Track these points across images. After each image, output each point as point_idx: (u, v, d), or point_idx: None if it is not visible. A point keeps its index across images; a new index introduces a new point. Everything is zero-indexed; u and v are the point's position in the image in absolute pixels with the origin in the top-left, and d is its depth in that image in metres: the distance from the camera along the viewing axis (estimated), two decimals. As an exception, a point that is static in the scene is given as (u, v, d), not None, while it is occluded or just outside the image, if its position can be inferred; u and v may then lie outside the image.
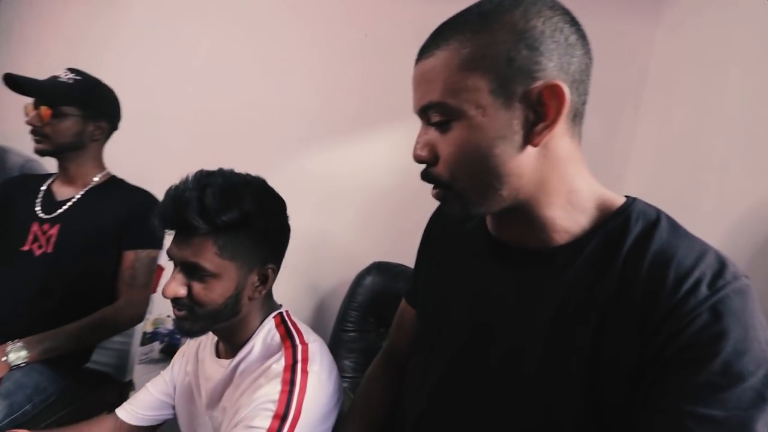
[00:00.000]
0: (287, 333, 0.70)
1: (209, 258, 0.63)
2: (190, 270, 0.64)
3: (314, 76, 1.65)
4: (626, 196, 0.49)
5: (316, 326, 1.59)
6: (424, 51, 0.46)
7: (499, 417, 0.49)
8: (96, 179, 1.09)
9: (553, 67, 0.42)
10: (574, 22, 0.44)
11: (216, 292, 0.64)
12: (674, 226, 0.45)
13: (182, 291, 0.64)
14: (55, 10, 2.07)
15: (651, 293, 0.41)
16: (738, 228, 0.80)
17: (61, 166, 1.07)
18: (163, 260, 1.14)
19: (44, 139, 0.99)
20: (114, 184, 1.12)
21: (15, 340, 0.87)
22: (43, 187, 1.08)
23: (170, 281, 0.64)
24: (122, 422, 0.78)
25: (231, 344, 0.72)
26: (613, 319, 0.42)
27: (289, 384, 0.62)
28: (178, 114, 1.76)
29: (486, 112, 0.42)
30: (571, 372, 0.44)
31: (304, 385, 0.63)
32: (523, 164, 0.44)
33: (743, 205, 0.80)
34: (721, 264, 0.41)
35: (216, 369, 0.73)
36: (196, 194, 0.62)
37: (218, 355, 0.75)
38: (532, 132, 0.43)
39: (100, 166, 1.11)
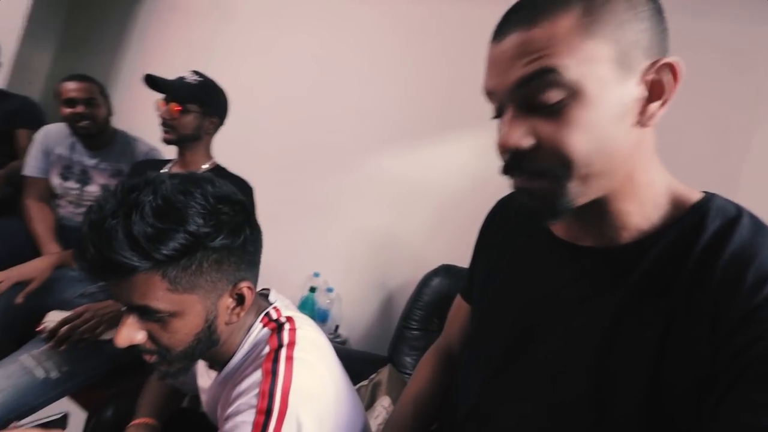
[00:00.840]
0: (276, 324, 0.63)
1: (160, 297, 0.50)
2: (142, 313, 0.52)
3: (400, 80, 1.72)
4: (704, 192, 0.44)
5: (381, 322, 1.64)
6: (519, 22, 0.40)
7: (549, 416, 0.47)
8: (205, 166, 1.25)
9: (660, 42, 0.40)
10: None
11: (181, 333, 0.54)
12: (758, 225, 0.40)
13: (139, 338, 0.53)
14: (180, 22, 2.40)
15: (726, 294, 0.37)
16: None
17: (179, 154, 1.25)
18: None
19: (171, 130, 1.15)
20: (219, 171, 1.27)
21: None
22: (164, 170, 1.27)
23: (121, 328, 0.52)
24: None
25: (217, 363, 0.65)
26: (681, 323, 0.39)
27: (270, 374, 0.54)
28: (274, 112, 1.94)
29: (603, 87, 0.38)
30: (632, 381, 0.41)
31: (288, 372, 0.55)
32: (629, 148, 0.41)
33: None
34: None
35: (205, 380, 0.68)
36: (122, 222, 0.47)
37: (209, 366, 0.68)
38: (646, 111, 0.40)
39: (209, 156, 1.27)
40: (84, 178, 1.45)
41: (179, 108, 1.14)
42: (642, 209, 0.44)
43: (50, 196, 1.48)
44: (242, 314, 0.60)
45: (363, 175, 1.75)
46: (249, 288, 0.59)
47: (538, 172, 0.42)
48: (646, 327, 0.40)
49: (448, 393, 0.66)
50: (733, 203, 0.43)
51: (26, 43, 2.15)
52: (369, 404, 1.17)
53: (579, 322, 0.46)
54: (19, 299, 0.99)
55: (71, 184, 1.45)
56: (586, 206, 0.43)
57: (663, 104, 0.40)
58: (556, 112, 0.39)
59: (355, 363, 1.35)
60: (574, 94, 0.39)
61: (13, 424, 0.66)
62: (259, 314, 0.64)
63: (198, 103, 1.17)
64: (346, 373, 0.68)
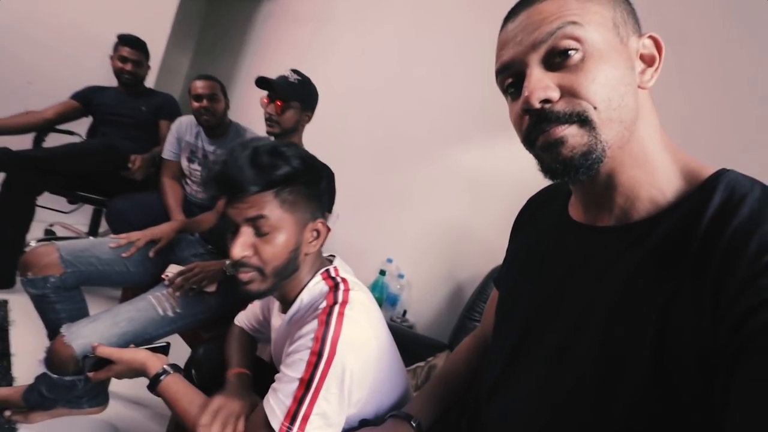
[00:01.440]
0: (334, 283, 0.73)
1: (271, 210, 0.66)
2: (255, 227, 0.67)
3: (483, 74, 1.70)
4: (722, 168, 0.44)
5: (448, 311, 1.67)
6: (531, 1, 0.47)
7: (565, 383, 0.48)
8: (296, 154, 1.42)
9: (635, 21, 0.47)
10: None
11: (280, 246, 0.67)
12: None
13: (249, 251, 0.67)
14: (289, 25, 2.66)
15: (728, 263, 0.36)
16: None
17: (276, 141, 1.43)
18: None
19: (276, 124, 1.31)
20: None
21: (232, 259, 1.23)
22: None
23: (235, 244, 0.66)
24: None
25: (284, 300, 0.77)
26: (685, 294, 0.38)
27: (324, 324, 0.64)
28: (360, 106, 2.07)
29: (612, 47, 0.44)
30: (637, 354, 0.41)
31: (339, 325, 0.64)
32: (636, 104, 0.45)
33: None
34: None
35: (277, 320, 0.80)
36: (248, 154, 0.66)
37: (281, 310, 0.81)
38: (643, 74, 0.46)
39: (301, 144, 1.44)
40: (206, 162, 1.74)
41: (282, 104, 1.30)
42: (653, 178, 0.45)
43: (181, 176, 1.80)
44: (317, 247, 0.74)
45: (441, 167, 1.79)
46: (323, 224, 0.74)
47: (568, 118, 0.44)
48: (652, 299, 0.41)
49: (478, 374, 0.70)
50: (748, 177, 0.42)
51: (170, 48, 2.60)
52: (424, 383, 1.23)
53: (590, 301, 0.47)
54: (152, 253, 1.26)
55: (195, 166, 1.75)
56: (603, 179, 0.47)
57: (656, 70, 0.47)
58: (576, 65, 0.44)
59: (418, 346, 1.41)
60: (589, 48, 0.43)
61: (131, 346, 0.87)
62: (321, 268, 0.77)
63: (298, 100, 1.32)
64: (393, 341, 0.78)
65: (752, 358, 0.34)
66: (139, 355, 0.79)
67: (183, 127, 1.76)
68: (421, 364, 1.29)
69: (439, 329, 1.64)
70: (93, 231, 2.00)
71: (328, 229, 0.76)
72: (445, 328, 1.58)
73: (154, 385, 0.76)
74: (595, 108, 0.43)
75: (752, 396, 0.33)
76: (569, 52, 0.43)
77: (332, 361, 0.63)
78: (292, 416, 0.62)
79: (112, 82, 2.02)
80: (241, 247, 0.66)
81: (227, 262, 1.22)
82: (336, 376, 0.63)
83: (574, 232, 0.53)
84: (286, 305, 0.77)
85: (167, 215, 1.63)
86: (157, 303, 1.08)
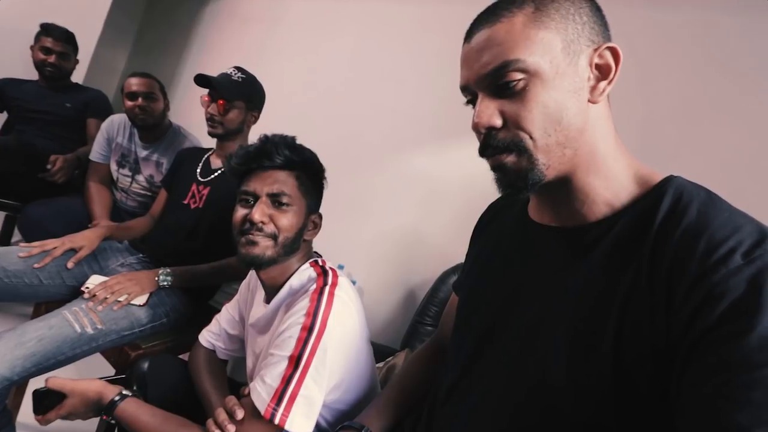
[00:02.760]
0: (322, 270, 0.79)
1: (291, 188, 0.78)
2: (275, 199, 0.77)
3: (434, 81, 1.73)
4: (669, 174, 0.47)
5: (399, 317, 1.65)
6: (483, 21, 0.48)
7: (526, 385, 0.48)
8: (240, 155, 1.34)
9: (602, 30, 0.47)
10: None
11: (293, 220, 0.77)
12: (714, 199, 0.42)
13: (266, 217, 0.76)
14: (237, 26, 2.57)
15: (679, 264, 0.38)
16: None
17: (218, 144, 1.34)
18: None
19: (218, 125, 1.23)
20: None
21: (166, 268, 1.13)
22: (204, 158, 1.38)
23: (256, 209, 0.76)
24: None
25: (271, 286, 0.81)
26: (641, 296, 0.40)
27: (316, 301, 0.69)
28: (311, 110, 2.02)
29: (559, 69, 0.45)
30: (598, 349, 0.42)
31: (329, 303, 0.69)
32: (585, 121, 0.46)
33: None
34: (762, 234, 0.37)
35: (258, 310, 0.83)
36: (281, 139, 0.79)
37: (265, 300, 0.84)
38: (596, 88, 0.47)
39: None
40: (136, 168, 1.60)
41: (224, 104, 1.22)
42: (608, 184, 0.47)
43: (110, 181, 1.65)
44: (313, 237, 0.83)
45: (393, 173, 1.77)
46: (320, 218, 0.85)
47: (507, 147, 0.47)
48: (611, 297, 0.42)
49: (436, 377, 0.67)
50: (694, 183, 0.45)
51: (103, 43, 2.40)
52: (382, 385, 1.18)
53: (550, 298, 0.49)
54: (70, 264, 1.12)
55: (125, 172, 1.60)
56: (558, 184, 0.48)
57: (609, 82, 0.47)
58: (518, 94, 0.46)
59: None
60: (532, 76, 0.45)
61: (47, 377, 0.77)
62: (309, 259, 0.83)
63: (243, 99, 1.25)
64: (368, 330, 0.81)
65: (701, 356, 0.35)
66: (94, 384, 0.76)
67: (115, 126, 1.62)
68: (380, 365, 1.25)
69: (393, 336, 1.61)
70: (3, 241, 1.77)
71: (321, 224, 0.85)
72: (397, 334, 1.55)
73: (110, 409, 0.73)
74: (531, 137, 0.46)
75: (698, 396, 0.35)
76: (511, 84, 0.45)
77: (322, 336, 0.66)
78: (278, 397, 0.63)
79: (32, 75, 1.82)
80: (260, 212, 0.75)
81: (161, 271, 1.11)
82: (324, 352, 0.66)
83: (534, 233, 0.54)
84: (272, 292, 0.80)
85: (91, 223, 1.48)
86: (73, 319, 0.95)
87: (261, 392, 0.65)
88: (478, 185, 1.61)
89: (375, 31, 1.93)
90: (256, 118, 1.33)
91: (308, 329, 0.66)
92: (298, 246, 0.80)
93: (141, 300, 1.07)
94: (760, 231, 0.38)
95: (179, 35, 2.86)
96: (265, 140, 0.80)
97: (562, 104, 0.45)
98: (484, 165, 0.52)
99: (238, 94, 1.23)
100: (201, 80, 1.22)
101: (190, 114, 2.23)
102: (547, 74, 0.44)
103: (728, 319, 0.35)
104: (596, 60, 0.46)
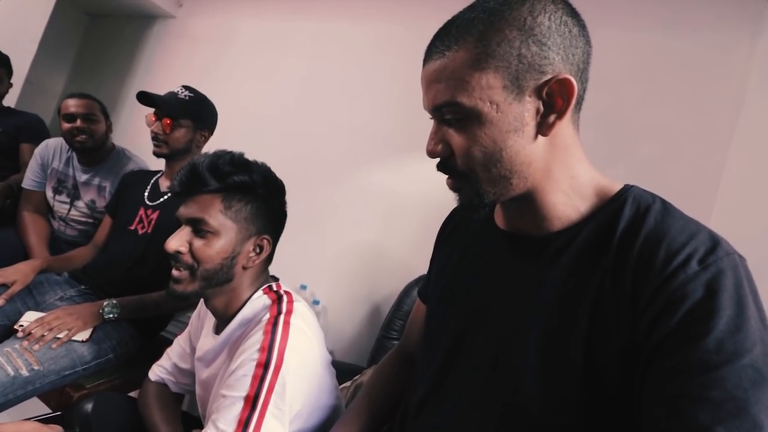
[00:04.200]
0: (277, 296, 0.72)
1: (213, 214, 0.68)
2: (194, 226, 0.69)
3: (390, 97, 1.77)
4: (625, 184, 0.49)
5: (365, 333, 1.63)
6: (433, 51, 0.47)
7: (500, 396, 0.48)
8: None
9: (560, 60, 0.43)
10: (575, 14, 0.45)
11: (214, 249, 0.68)
12: (668, 209, 0.45)
13: (184, 247, 0.68)
14: (185, 47, 2.51)
15: (642, 271, 0.40)
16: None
17: (168, 165, 1.29)
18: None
19: (163, 144, 1.18)
20: (204, 181, 1.31)
21: (111, 299, 1.05)
22: (152, 180, 1.31)
23: (173, 237, 0.68)
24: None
25: (221, 317, 0.74)
26: (608, 299, 0.42)
27: (270, 334, 0.64)
28: (263, 128, 2.00)
29: (499, 108, 0.44)
30: (569, 356, 0.43)
31: (285, 334, 0.64)
32: (532, 154, 0.46)
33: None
34: (714, 241, 0.40)
35: (207, 341, 0.76)
36: (210, 159, 0.70)
37: (215, 331, 0.77)
38: (544, 123, 0.45)
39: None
40: (75, 193, 1.50)
41: (170, 122, 1.17)
42: (569, 199, 0.48)
43: (47, 209, 1.53)
44: (257, 262, 0.73)
45: (352, 188, 1.78)
46: (268, 242, 0.74)
47: (458, 175, 0.49)
48: (579, 303, 0.44)
49: (406, 389, 0.67)
50: (648, 192, 0.47)
51: (39, 65, 2.27)
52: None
53: (520, 308, 0.49)
54: (0, 301, 1.02)
55: (63, 198, 1.49)
56: (519, 199, 0.49)
57: (560, 116, 0.44)
58: (462, 129, 0.46)
59: (339, 374, 1.33)
60: (472, 117, 0.45)
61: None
62: (263, 285, 0.75)
63: (190, 117, 1.21)
64: (329, 355, 0.77)
65: (663, 358, 0.37)
66: (25, 427, 0.67)
67: (50, 151, 1.51)
68: (347, 384, 1.22)
69: (359, 353, 1.59)
70: None
71: (272, 248, 0.76)
72: (364, 351, 1.53)
73: None
74: (474, 171, 0.47)
75: (661, 398, 0.37)
76: (452, 120, 0.46)
77: (279, 370, 0.61)
78: None
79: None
80: (176, 240, 0.68)
81: (105, 302, 1.04)
82: (283, 387, 0.61)
83: (500, 241, 0.55)
84: (222, 324, 0.74)
85: (27, 255, 1.36)
86: (5, 361, 0.86)
87: None
88: (438, 196, 1.64)
89: (328, 50, 1.96)
90: (207, 138, 1.29)
91: (264, 365, 0.61)
92: (229, 276, 0.71)
93: (84, 335, 0.98)
94: (711, 238, 0.41)
95: (124, 56, 2.75)
96: (192, 165, 0.70)
97: (501, 143, 0.44)
98: (441, 176, 0.53)
99: (184, 112, 1.19)
100: (144, 98, 1.17)
101: (139, 136, 2.13)
102: (485, 116, 0.44)
103: (687, 323, 0.37)
104: (546, 92, 0.44)
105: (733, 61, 1.27)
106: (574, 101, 0.43)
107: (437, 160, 0.50)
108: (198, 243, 0.69)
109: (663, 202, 0.46)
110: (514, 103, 0.44)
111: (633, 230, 0.43)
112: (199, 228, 0.69)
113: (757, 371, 0.34)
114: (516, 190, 0.47)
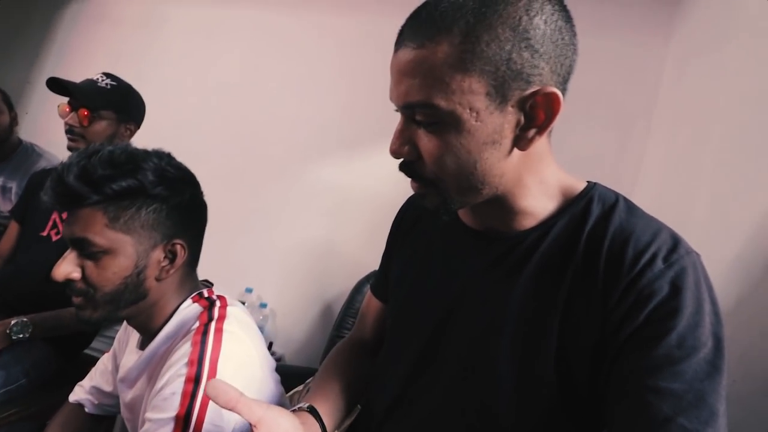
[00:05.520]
0: (208, 302, 0.65)
1: (98, 231, 0.56)
2: (80, 248, 0.58)
3: (336, 91, 1.72)
4: (587, 181, 0.49)
5: (317, 334, 1.59)
6: (409, 36, 0.41)
7: (472, 399, 0.48)
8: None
9: (549, 70, 0.39)
10: (569, 19, 0.41)
11: (110, 271, 0.58)
12: (631, 207, 0.46)
13: (75, 273, 0.58)
14: (108, 31, 2.28)
15: (612, 269, 0.41)
16: (743, 241, 0.76)
17: (87, 162, 1.15)
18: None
19: (80, 138, 1.05)
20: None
21: (21, 316, 0.92)
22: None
23: (60, 263, 0.57)
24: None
25: (146, 333, 0.66)
26: (579, 297, 0.43)
27: (199, 344, 0.57)
28: (201, 121, 1.86)
29: (479, 117, 0.39)
30: (542, 351, 0.43)
31: (217, 342, 0.57)
32: (506, 166, 0.43)
33: (745, 218, 0.78)
34: (675, 240, 0.42)
35: (131, 358, 0.68)
36: (79, 165, 0.56)
37: (139, 346, 0.69)
38: (522, 137, 0.42)
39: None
40: (-24, 193, 1.30)
41: (88, 114, 1.04)
42: (537, 202, 0.48)
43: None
44: (171, 272, 0.63)
45: (298, 185, 1.71)
46: (182, 247, 0.63)
47: (424, 181, 0.45)
48: (550, 302, 0.44)
49: (367, 388, 0.63)
50: (611, 190, 0.48)
51: None
52: None
53: (492, 308, 0.48)
54: None
55: (-40, 199, 1.30)
56: (487, 201, 0.46)
57: (540, 132, 0.41)
58: (434, 133, 0.42)
59: (291, 379, 1.28)
60: (448, 122, 0.40)
61: None
62: (192, 293, 0.66)
63: (113, 108, 1.08)
64: (273, 363, 0.69)
65: (630, 352, 0.39)
66: None
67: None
68: (299, 388, 1.17)
69: (311, 354, 1.54)
70: None
71: (187, 251, 0.64)
72: (316, 353, 1.49)
73: None
74: (443, 181, 0.43)
75: (627, 390, 0.38)
76: (424, 123, 0.42)
77: None
78: None
79: None
80: (63, 266, 0.57)
81: (13, 321, 0.90)
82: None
83: (468, 238, 0.53)
84: (146, 340, 0.65)
85: None
86: None
87: None
88: (387, 191, 1.63)
89: (269, 39, 1.86)
90: (132, 132, 1.16)
91: (194, 380, 0.54)
92: (140, 294, 0.61)
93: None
94: (672, 236, 0.42)
95: (31, 40, 2.44)
96: (58, 175, 0.56)
97: (477, 155, 0.41)
98: (389, 172, 0.50)
99: (104, 102, 1.07)
100: (56, 86, 1.03)
101: (49, 129, 1.90)
102: (463, 124, 0.40)
103: (653, 319, 0.39)
104: (530, 104, 0.40)
105: (649, 57, 1.38)
106: (557, 118, 0.40)
107: (389, 155, 0.46)
108: (90, 266, 0.58)
109: (625, 200, 0.47)
110: (496, 112, 0.39)
111: (600, 229, 0.44)
112: (86, 249, 0.57)
113: (710, 363, 0.37)
114: (485, 197, 0.46)
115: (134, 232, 0.59)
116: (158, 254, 0.61)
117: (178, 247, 0.63)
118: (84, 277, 0.58)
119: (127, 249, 0.58)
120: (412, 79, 0.40)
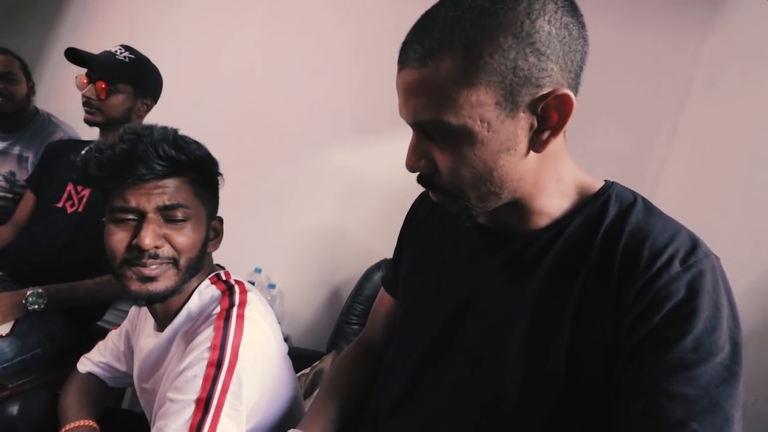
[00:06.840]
0: (226, 286, 0.66)
1: (187, 197, 0.61)
2: (165, 216, 0.60)
3: (352, 75, 1.68)
4: (605, 180, 0.49)
5: (323, 318, 1.60)
6: (412, 56, 0.40)
7: (480, 395, 0.48)
8: (130, 149, 1.16)
9: (558, 70, 0.38)
10: (575, 11, 0.40)
11: (193, 237, 0.62)
12: (649, 208, 0.45)
13: (161, 240, 0.60)
14: (124, 1, 2.25)
15: (627, 269, 0.41)
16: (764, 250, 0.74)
17: (102, 135, 1.14)
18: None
19: (97, 111, 1.04)
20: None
21: (37, 287, 0.93)
22: (83, 152, 1.16)
23: (146, 232, 0.58)
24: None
25: (166, 313, 0.66)
26: (592, 296, 0.42)
27: (222, 330, 0.58)
28: (213, 100, 1.84)
29: (491, 127, 0.39)
30: (553, 348, 0.43)
31: (239, 329, 0.59)
32: (524, 169, 0.43)
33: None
34: (694, 242, 0.41)
35: (149, 341, 0.69)
36: (160, 133, 0.60)
37: (157, 328, 0.70)
38: (537, 139, 0.41)
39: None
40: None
41: (106, 87, 1.03)
42: (553, 201, 0.47)
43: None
44: (218, 246, 0.69)
45: (311, 168, 1.70)
46: (220, 222, 0.70)
47: (442, 191, 0.46)
48: (565, 301, 0.43)
49: (373, 386, 0.64)
50: (629, 190, 0.47)
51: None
52: (309, 392, 1.12)
53: (504, 306, 0.48)
54: None
55: (-23, 168, 1.30)
56: (505, 204, 0.46)
57: (554, 133, 0.41)
58: (448, 147, 0.42)
59: (297, 362, 1.30)
60: (461, 136, 0.40)
61: None
62: (210, 274, 0.68)
63: (130, 82, 1.07)
64: (286, 345, 0.72)
65: (644, 354, 0.38)
66: None
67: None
68: (306, 371, 1.19)
69: (319, 338, 1.56)
70: None
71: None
72: (322, 336, 1.50)
73: None
74: (462, 190, 0.44)
75: (640, 393, 0.38)
76: (437, 138, 0.42)
77: (234, 368, 0.56)
78: None
79: None
80: (152, 236, 0.58)
81: (29, 291, 0.92)
82: (238, 386, 0.56)
83: (482, 236, 0.53)
84: (165, 321, 0.66)
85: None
86: None
87: None
88: (400, 179, 1.61)
89: (288, 17, 1.81)
90: (149, 107, 1.15)
91: (216, 365, 0.56)
92: (202, 264, 0.65)
93: (3, 329, 0.87)
94: (690, 238, 0.41)
95: (48, 3, 2.42)
96: (136, 140, 0.58)
97: (492, 164, 0.41)
98: (400, 162, 0.48)
99: (122, 76, 1.05)
100: (74, 56, 1.02)
101: (65, 100, 1.89)
102: (475, 136, 0.39)
103: (669, 321, 0.38)
104: (542, 107, 0.39)
105: (682, 57, 1.33)
106: (571, 118, 0.40)
107: (403, 142, 0.46)
108: (175, 233, 0.61)
109: (644, 200, 0.46)
110: (507, 120, 0.39)
111: (617, 228, 0.43)
112: (175, 214, 0.60)
113: (726, 369, 0.36)
114: (505, 201, 0.46)
115: (205, 203, 0.65)
116: (212, 229, 0.67)
117: (218, 224, 0.69)
118: (169, 242, 0.60)
119: (201, 218, 0.64)
120: (418, 98, 0.40)
